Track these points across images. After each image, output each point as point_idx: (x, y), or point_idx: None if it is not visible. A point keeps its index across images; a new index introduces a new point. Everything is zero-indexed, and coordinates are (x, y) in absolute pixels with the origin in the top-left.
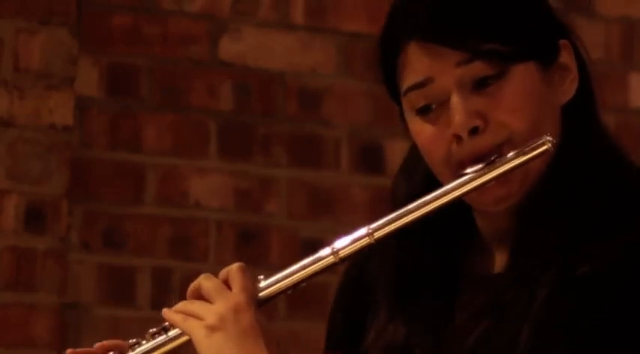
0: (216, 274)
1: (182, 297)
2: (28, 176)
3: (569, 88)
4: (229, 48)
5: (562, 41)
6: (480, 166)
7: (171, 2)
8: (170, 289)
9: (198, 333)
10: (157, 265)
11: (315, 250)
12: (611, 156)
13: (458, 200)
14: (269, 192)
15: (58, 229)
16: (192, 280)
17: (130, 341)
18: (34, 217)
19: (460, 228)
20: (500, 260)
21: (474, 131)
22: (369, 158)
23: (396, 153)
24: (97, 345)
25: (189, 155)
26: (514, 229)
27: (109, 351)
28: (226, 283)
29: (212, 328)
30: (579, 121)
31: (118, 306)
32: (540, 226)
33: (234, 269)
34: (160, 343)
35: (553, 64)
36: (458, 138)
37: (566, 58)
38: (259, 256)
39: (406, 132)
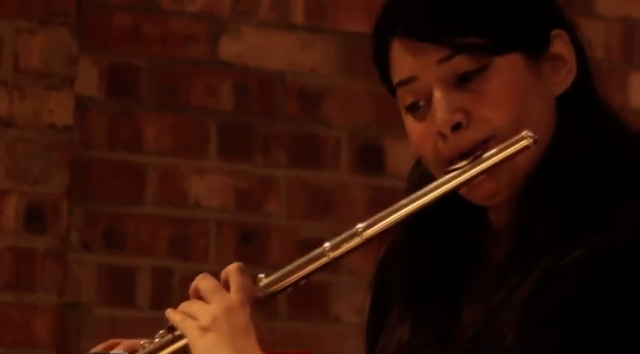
0: (216, 274)
1: (182, 297)
2: (28, 176)
3: (564, 80)
4: (229, 48)
5: (555, 31)
6: (465, 162)
7: (171, 2)
8: (170, 289)
9: (192, 333)
10: (157, 265)
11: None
12: (610, 146)
13: (447, 196)
14: (269, 192)
15: (58, 229)
16: (192, 280)
17: (142, 341)
18: (34, 217)
19: (475, 220)
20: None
21: (456, 127)
22: (369, 158)
23: (396, 153)
24: (112, 352)
25: (189, 155)
26: (514, 220)
27: (125, 351)
28: (226, 283)
29: (205, 329)
30: (575, 112)
31: (118, 306)
32: (535, 217)
33: (231, 270)
34: (164, 342)
35: (543, 54)
36: (442, 135)
37: (560, 48)
38: (259, 256)
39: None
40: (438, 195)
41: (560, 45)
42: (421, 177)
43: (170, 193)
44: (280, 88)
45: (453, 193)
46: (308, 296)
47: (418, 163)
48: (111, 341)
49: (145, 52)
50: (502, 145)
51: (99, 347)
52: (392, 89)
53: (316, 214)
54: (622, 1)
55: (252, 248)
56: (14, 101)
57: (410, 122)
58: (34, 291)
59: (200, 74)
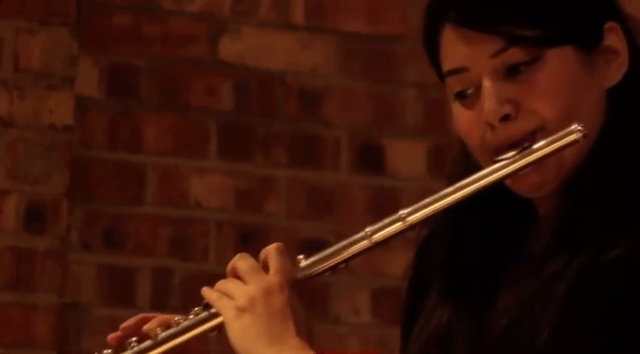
0: (215, 274)
1: (182, 297)
2: (28, 176)
3: (615, 73)
4: (229, 48)
5: (609, 24)
6: (512, 152)
7: (171, 2)
8: (170, 289)
9: (228, 313)
10: (157, 265)
11: (315, 251)
12: None
13: (491, 187)
14: (269, 192)
15: (58, 229)
16: (192, 280)
17: (176, 317)
18: (34, 217)
19: (521, 210)
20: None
21: (505, 118)
22: (369, 158)
23: (396, 153)
24: (146, 327)
25: (189, 155)
26: (559, 211)
27: (158, 326)
28: (265, 264)
29: (242, 310)
30: (626, 105)
31: (118, 306)
32: (579, 209)
33: (271, 250)
34: (199, 319)
35: (596, 48)
36: (491, 125)
37: (613, 41)
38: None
39: None
40: (484, 184)
41: (614, 38)
42: (465, 166)
43: (170, 193)
44: (280, 88)
45: (499, 183)
46: (308, 296)
47: (461, 151)
48: (142, 315)
49: (145, 52)
50: (551, 138)
51: (131, 321)
52: (440, 75)
53: (316, 214)
54: (622, 1)
55: (252, 248)
56: (14, 101)
57: (457, 109)
58: (34, 291)
59: (200, 74)
